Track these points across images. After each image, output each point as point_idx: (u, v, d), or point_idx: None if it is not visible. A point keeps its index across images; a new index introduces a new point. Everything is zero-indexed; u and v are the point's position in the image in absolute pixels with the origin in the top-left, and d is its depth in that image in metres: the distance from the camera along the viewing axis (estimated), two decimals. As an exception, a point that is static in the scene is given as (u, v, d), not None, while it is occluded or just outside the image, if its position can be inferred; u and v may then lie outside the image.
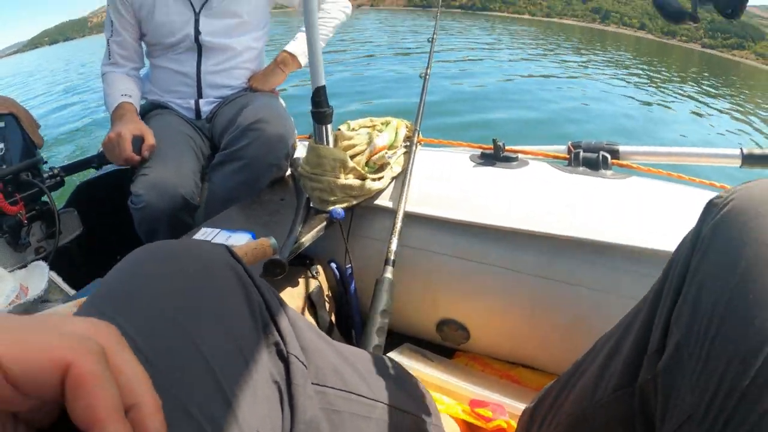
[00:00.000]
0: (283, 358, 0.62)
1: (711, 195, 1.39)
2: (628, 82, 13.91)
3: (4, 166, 1.64)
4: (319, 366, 0.69)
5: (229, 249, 0.65)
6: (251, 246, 1.16)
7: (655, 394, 0.69)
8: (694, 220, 1.31)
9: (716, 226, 0.69)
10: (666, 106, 10.79)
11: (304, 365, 0.65)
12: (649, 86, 14.23)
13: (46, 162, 1.84)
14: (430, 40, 2.17)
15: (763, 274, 0.57)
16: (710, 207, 0.75)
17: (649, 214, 1.38)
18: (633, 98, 11.17)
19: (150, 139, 1.73)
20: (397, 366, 0.95)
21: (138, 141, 1.71)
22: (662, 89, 14.01)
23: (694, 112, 10.93)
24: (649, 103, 10.79)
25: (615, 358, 0.82)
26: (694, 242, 0.71)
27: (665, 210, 1.39)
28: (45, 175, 1.82)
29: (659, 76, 17.95)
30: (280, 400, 0.60)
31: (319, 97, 1.42)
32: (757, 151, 1.63)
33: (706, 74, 21.99)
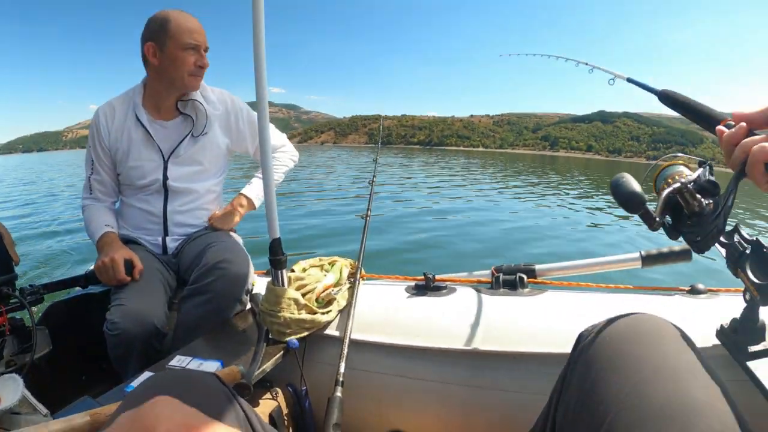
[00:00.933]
0: None
1: (615, 297, 1.67)
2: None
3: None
4: None
5: (218, 377, 0.87)
6: (225, 372, 1.39)
7: None
8: (594, 321, 1.58)
9: (581, 350, 0.96)
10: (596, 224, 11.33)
11: None
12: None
13: (18, 277, 1.91)
14: (371, 182, 2.41)
15: (604, 382, 0.82)
16: (580, 337, 1.01)
17: (558, 323, 1.63)
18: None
19: (138, 264, 1.98)
20: None
21: (128, 264, 1.95)
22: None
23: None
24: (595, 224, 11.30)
25: None
26: (569, 361, 0.98)
27: (572, 317, 1.64)
28: (26, 292, 1.91)
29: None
30: None
31: (275, 247, 1.66)
32: (653, 251, 1.91)
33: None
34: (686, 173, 1.04)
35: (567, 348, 1.51)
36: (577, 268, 2.02)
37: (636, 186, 1.06)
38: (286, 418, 1.76)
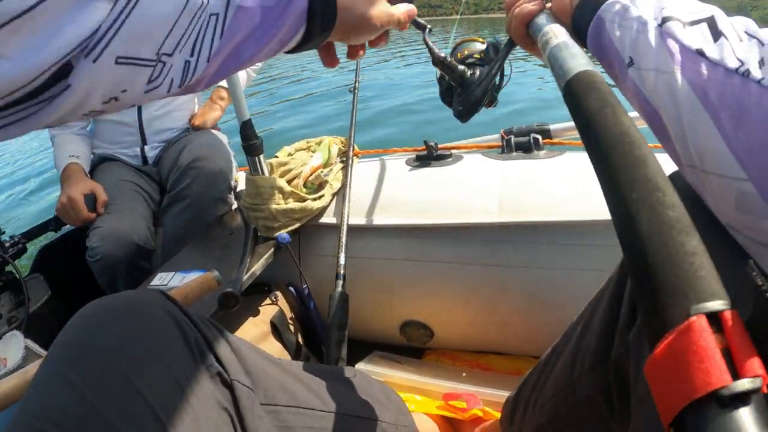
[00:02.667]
0: (227, 385, 0.68)
1: None
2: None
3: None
4: (267, 387, 0.74)
5: (164, 293, 0.71)
6: (197, 282, 1.19)
7: (629, 366, 0.74)
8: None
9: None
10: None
11: (250, 389, 0.70)
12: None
13: (3, 232, 1.86)
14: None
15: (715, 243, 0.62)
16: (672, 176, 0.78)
17: (584, 187, 1.41)
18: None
19: (102, 195, 1.78)
20: (357, 375, 1.00)
21: (91, 199, 1.76)
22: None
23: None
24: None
25: (587, 338, 0.86)
26: None
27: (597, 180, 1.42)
28: (7, 245, 1.84)
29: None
30: (233, 424, 0.65)
31: (246, 131, 1.46)
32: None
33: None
34: (474, 48, 1.06)
35: (597, 214, 1.34)
36: (598, 125, 1.78)
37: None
38: (291, 322, 1.60)
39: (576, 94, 0.47)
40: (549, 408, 0.94)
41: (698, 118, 0.49)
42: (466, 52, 1.04)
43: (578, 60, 0.52)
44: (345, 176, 1.65)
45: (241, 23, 0.47)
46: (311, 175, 1.58)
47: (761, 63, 0.46)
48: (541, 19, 0.76)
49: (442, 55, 0.99)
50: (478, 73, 0.99)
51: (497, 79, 0.99)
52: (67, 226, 2.09)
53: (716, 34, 0.51)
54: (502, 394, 1.19)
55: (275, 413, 0.73)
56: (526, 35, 0.81)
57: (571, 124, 1.79)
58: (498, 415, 1.19)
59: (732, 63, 0.48)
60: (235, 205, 1.86)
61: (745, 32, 0.50)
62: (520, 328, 1.52)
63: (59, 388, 0.55)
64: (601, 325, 0.83)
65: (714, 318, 0.28)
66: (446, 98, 1.08)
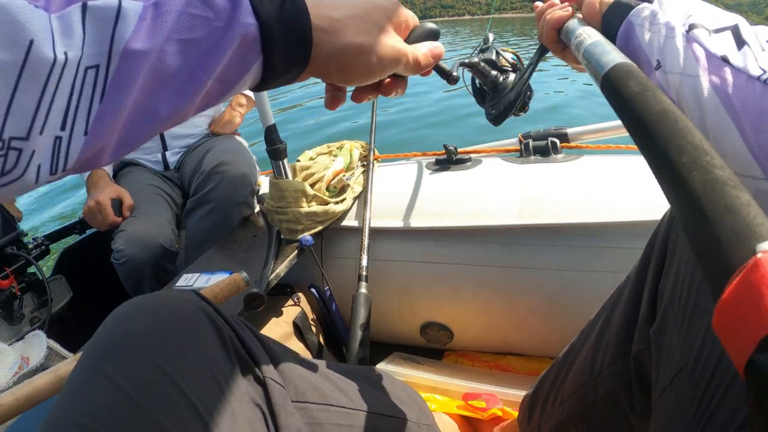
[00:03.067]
0: (261, 382, 0.69)
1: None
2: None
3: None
4: (297, 385, 0.75)
5: (197, 293, 0.72)
6: (225, 283, 1.21)
7: (650, 361, 0.76)
8: (644, 188, 1.37)
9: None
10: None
11: (282, 386, 0.71)
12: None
13: (26, 234, 1.90)
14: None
15: None
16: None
17: (601, 190, 1.43)
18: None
19: (128, 200, 1.82)
20: (380, 375, 1.02)
21: (117, 203, 1.79)
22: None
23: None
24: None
25: (606, 334, 0.88)
26: (673, 214, 0.78)
27: (617, 183, 1.44)
28: (30, 246, 1.87)
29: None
30: (264, 420, 0.67)
31: (271, 136, 1.48)
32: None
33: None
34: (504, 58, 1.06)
35: (615, 216, 1.37)
36: (615, 130, 1.80)
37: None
38: (312, 323, 1.62)
39: (615, 82, 0.48)
40: (569, 405, 0.95)
41: (721, 122, 0.51)
42: (495, 58, 1.04)
43: (614, 54, 0.53)
44: (366, 180, 1.67)
45: (134, 73, 0.36)
46: (333, 179, 1.61)
47: None
48: (573, 23, 0.77)
49: (475, 60, 1.00)
50: (510, 78, 1.00)
51: (528, 85, 1.00)
52: (91, 229, 2.12)
53: (740, 42, 0.53)
54: (522, 394, 1.20)
55: (305, 410, 0.75)
56: (558, 41, 0.82)
57: (589, 127, 1.81)
58: (517, 414, 1.21)
59: (755, 71, 0.50)
60: (257, 209, 1.88)
61: (767, 41, 0.52)
62: (538, 329, 1.54)
63: (98, 384, 0.56)
64: (621, 321, 0.85)
65: None
66: (480, 101, 1.09)
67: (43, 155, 0.34)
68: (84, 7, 0.34)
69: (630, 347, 0.82)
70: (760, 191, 0.49)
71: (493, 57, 1.03)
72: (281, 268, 1.45)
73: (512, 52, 1.06)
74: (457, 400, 1.34)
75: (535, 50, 0.96)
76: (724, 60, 0.53)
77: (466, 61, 0.98)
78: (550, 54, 0.91)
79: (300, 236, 1.51)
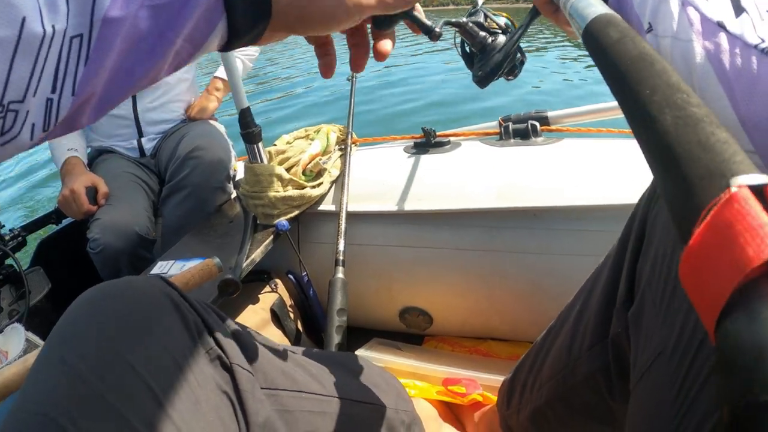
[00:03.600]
0: (228, 369, 0.67)
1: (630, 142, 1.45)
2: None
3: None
4: (266, 371, 0.74)
5: (163, 278, 0.70)
6: (197, 269, 1.19)
7: (628, 344, 0.74)
8: (626, 171, 1.36)
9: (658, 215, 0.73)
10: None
11: (250, 372, 0.70)
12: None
13: (3, 226, 1.86)
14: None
15: None
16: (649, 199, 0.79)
17: (582, 173, 1.41)
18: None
19: (103, 188, 1.78)
20: (357, 361, 1.00)
21: (92, 191, 1.76)
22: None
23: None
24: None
25: (584, 318, 0.86)
26: (651, 195, 0.76)
27: (598, 166, 1.42)
28: (7, 238, 1.84)
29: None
30: (232, 407, 0.65)
31: (245, 119, 1.46)
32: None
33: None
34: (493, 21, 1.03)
35: (595, 199, 1.34)
36: (597, 113, 1.78)
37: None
38: (290, 309, 1.60)
39: (594, 34, 0.46)
40: (547, 389, 0.94)
41: (711, 88, 0.49)
42: (485, 22, 1.01)
43: (597, 6, 0.50)
44: (344, 164, 1.64)
45: (113, 38, 0.39)
46: (310, 162, 1.58)
47: None
48: None
49: (463, 20, 0.97)
50: (500, 39, 0.97)
51: (518, 53, 0.98)
52: (68, 219, 2.09)
53: (738, 8, 0.50)
54: (501, 379, 1.19)
55: (275, 397, 0.73)
56: (549, 2, 0.80)
57: (570, 110, 1.79)
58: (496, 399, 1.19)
59: (752, 39, 0.47)
60: (234, 194, 1.86)
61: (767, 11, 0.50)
62: (519, 313, 1.52)
63: (58, 371, 0.55)
64: (599, 304, 0.83)
65: (758, 192, 0.23)
66: (468, 64, 1.06)
67: (36, 115, 0.38)
68: None
69: (608, 331, 0.80)
70: None
71: (482, 20, 1.00)
72: (257, 254, 1.43)
73: (505, 16, 1.03)
74: (436, 386, 1.33)
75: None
76: (720, 26, 0.50)
77: (454, 20, 0.94)
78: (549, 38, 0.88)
79: (276, 221, 1.49)
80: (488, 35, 0.97)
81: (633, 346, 0.72)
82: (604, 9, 0.49)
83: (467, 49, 1.04)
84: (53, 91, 0.38)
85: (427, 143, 1.66)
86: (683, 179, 0.27)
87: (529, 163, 1.49)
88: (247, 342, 0.74)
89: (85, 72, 0.39)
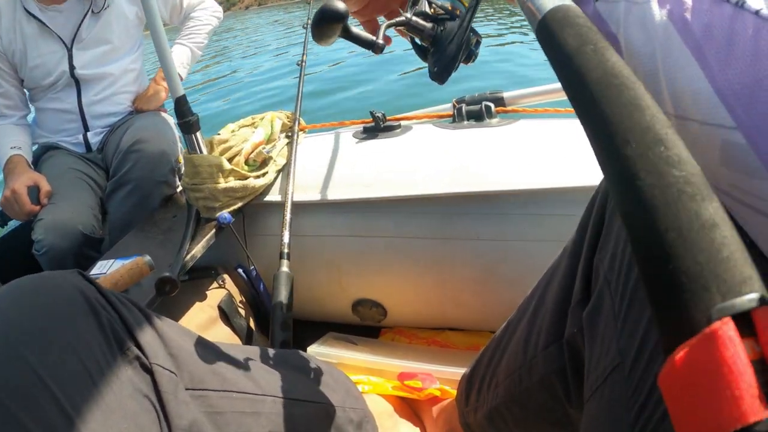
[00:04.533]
0: (147, 370, 0.63)
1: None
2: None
3: None
4: (193, 371, 0.70)
5: (81, 273, 0.66)
6: (125, 268, 1.15)
7: (583, 346, 0.68)
8: (584, 152, 1.31)
9: None
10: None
11: (172, 372, 0.66)
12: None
13: None
14: (304, 26, 2.13)
15: None
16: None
17: (539, 155, 1.36)
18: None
19: (45, 186, 1.73)
20: (303, 358, 0.97)
21: (34, 191, 1.71)
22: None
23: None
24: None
25: (540, 314, 0.81)
26: (598, 195, 0.70)
27: (555, 147, 1.37)
28: None
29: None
30: (155, 411, 0.61)
31: (181, 108, 1.40)
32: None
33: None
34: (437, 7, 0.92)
35: (552, 183, 1.29)
36: (552, 93, 1.74)
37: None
38: (241, 306, 1.55)
39: (550, 34, 0.38)
40: (503, 389, 0.89)
41: (675, 54, 0.41)
42: (430, 10, 0.92)
43: None
44: (290, 152, 1.58)
45: None
46: (253, 151, 1.52)
47: None
48: None
49: (407, 16, 0.88)
50: (448, 27, 0.90)
51: (472, 35, 0.90)
52: (14, 221, 2.03)
53: None
54: (460, 372, 1.15)
55: (203, 398, 0.69)
56: None
57: (526, 90, 1.75)
58: (455, 393, 1.15)
59: None
60: (180, 188, 1.80)
61: None
62: (475, 302, 1.47)
63: None
64: (554, 302, 0.77)
65: (745, 320, 0.21)
66: (423, 57, 0.97)
67: None
68: None
69: (564, 330, 0.75)
70: (728, 144, 0.38)
71: (426, 8, 0.91)
72: (197, 249, 1.37)
73: None
74: (392, 381, 1.29)
75: None
76: None
77: (394, 20, 0.86)
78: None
79: (218, 214, 1.43)
80: (436, 25, 0.90)
81: (587, 349, 0.65)
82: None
83: (418, 42, 0.96)
84: None
85: (376, 128, 1.61)
86: (663, 284, 0.23)
87: (483, 146, 1.44)
88: (171, 340, 0.70)
89: None
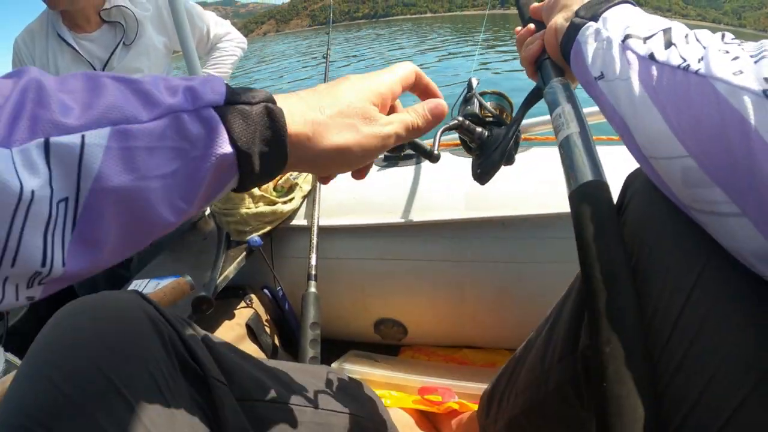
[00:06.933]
0: (203, 382, 0.68)
1: (611, 149, 1.46)
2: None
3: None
4: (241, 384, 0.75)
5: (141, 294, 0.71)
6: (169, 287, 1.21)
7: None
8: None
9: (634, 194, 0.72)
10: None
11: (225, 384, 0.71)
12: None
13: None
14: (325, 56, 2.20)
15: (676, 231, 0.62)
16: (631, 179, 0.79)
17: (549, 181, 1.44)
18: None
19: None
20: (331, 373, 1.01)
21: None
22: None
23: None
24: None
25: (556, 330, 0.87)
26: (618, 208, 0.77)
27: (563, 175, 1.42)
28: None
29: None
30: (208, 419, 0.67)
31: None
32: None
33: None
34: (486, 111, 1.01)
35: (562, 207, 1.36)
36: (566, 121, 1.79)
37: None
38: (266, 324, 1.61)
39: (579, 207, 0.57)
40: (522, 400, 0.95)
41: (648, 112, 0.54)
42: (479, 112, 1.00)
43: (587, 168, 0.61)
44: (314, 179, 1.66)
45: (105, 206, 0.37)
46: (281, 179, 1.60)
47: (700, 59, 0.51)
48: (546, 68, 0.81)
49: (459, 119, 0.95)
50: (494, 133, 0.97)
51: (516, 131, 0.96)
52: None
53: (668, 42, 0.56)
54: (477, 387, 1.21)
55: (250, 408, 0.74)
56: (537, 72, 0.86)
57: (538, 119, 1.80)
58: (474, 407, 1.20)
59: (676, 61, 0.53)
60: (208, 211, 1.86)
61: (696, 38, 0.55)
62: (491, 321, 1.54)
63: (37, 385, 0.55)
64: (569, 318, 0.84)
65: None
66: (467, 151, 1.05)
67: (21, 280, 0.35)
68: (47, 144, 0.34)
69: (578, 343, 0.81)
70: (686, 169, 0.50)
71: (476, 110, 0.98)
72: (230, 270, 1.44)
73: (497, 94, 1.03)
74: (413, 395, 1.35)
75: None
76: (651, 58, 0.56)
77: (450, 123, 0.93)
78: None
79: (248, 237, 1.50)
80: (484, 130, 0.96)
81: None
82: (591, 173, 0.61)
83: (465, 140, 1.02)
84: (43, 264, 0.36)
85: (396, 156, 1.68)
86: None
87: (498, 173, 1.50)
88: (221, 354, 0.75)
89: (73, 244, 0.37)
